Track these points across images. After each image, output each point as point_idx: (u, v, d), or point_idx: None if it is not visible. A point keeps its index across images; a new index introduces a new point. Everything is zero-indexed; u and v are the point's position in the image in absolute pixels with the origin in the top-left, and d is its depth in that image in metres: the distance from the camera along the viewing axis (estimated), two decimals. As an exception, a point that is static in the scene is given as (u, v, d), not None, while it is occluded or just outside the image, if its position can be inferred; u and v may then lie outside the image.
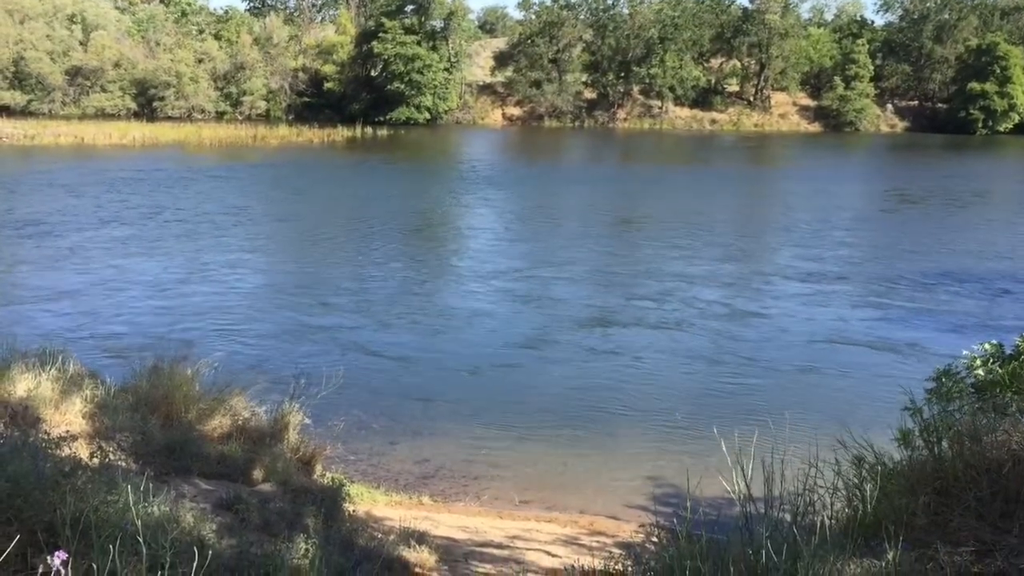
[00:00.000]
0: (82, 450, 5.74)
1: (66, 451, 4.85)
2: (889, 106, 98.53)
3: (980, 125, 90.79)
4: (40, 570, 2.56)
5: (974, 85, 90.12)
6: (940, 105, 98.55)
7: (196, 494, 6.54)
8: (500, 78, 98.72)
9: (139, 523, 3.27)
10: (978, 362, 6.59)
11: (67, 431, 6.07)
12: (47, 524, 3.54)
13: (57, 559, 2.52)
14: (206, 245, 26.84)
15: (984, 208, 39.26)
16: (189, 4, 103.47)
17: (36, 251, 25.23)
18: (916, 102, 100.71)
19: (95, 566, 2.89)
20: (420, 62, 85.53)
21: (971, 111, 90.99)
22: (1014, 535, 3.62)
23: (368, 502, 9.73)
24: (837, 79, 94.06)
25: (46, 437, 4.94)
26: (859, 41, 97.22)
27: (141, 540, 3.18)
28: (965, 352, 6.77)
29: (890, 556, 3.40)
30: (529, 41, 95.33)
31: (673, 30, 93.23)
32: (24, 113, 77.73)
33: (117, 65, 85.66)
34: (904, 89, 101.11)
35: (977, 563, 3.52)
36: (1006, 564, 3.47)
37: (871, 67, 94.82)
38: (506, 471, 11.86)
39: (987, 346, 6.71)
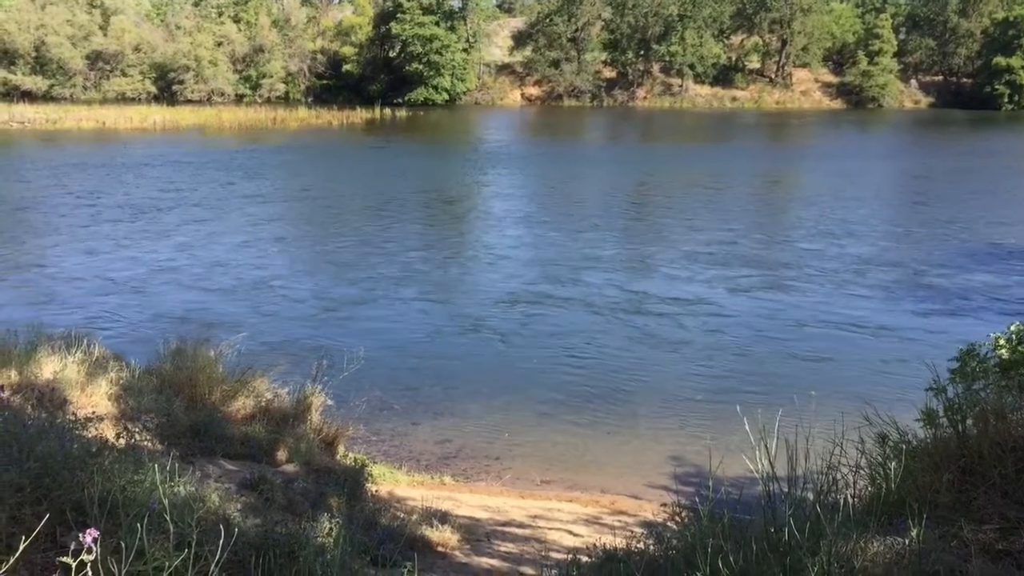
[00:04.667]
0: (108, 431, 5.81)
1: (93, 432, 4.91)
2: (913, 81, 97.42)
3: (1006, 100, 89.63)
4: (72, 547, 2.59)
5: (999, 60, 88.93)
6: (965, 80, 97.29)
7: (221, 475, 6.60)
8: (518, 58, 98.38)
9: (166, 502, 3.31)
10: (1003, 342, 6.54)
11: (93, 412, 6.14)
12: (75, 503, 3.59)
13: (88, 536, 2.56)
14: (227, 227, 26.98)
15: (1009, 186, 38.77)
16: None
17: (60, 235, 25.46)
18: (940, 77, 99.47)
19: (123, 544, 2.93)
20: (438, 42, 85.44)
21: (996, 86, 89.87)
22: (1039, 513, 3.60)
23: (390, 482, 9.80)
24: (860, 54, 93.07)
25: (73, 418, 5.00)
26: (882, 16, 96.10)
27: (168, 519, 3.22)
28: (991, 334, 6.71)
29: (914, 534, 3.39)
30: (547, 20, 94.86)
31: (693, 7, 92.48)
32: (46, 98, 78.39)
33: (137, 49, 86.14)
34: (928, 64, 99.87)
35: (1002, 540, 3.50)
36: (1031, 542, 3.45)
37: (895, 42, 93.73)
38: (527, 451, 11.90)
39: (1014, 327, 6.65)
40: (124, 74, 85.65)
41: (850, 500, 3.89)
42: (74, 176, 36.98)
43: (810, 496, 3.93)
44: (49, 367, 7.39)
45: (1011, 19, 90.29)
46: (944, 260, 23.08)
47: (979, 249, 24.36)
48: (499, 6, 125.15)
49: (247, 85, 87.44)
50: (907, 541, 3.41)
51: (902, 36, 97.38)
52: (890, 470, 4.09)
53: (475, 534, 7.93)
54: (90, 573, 2.60)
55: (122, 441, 5.47)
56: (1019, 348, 6.28)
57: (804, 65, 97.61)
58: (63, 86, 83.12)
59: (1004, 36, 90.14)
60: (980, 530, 3.56)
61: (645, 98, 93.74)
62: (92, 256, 22.87)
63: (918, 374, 6.20)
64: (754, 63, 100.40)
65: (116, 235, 25.48)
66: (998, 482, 3.80)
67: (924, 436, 4.57)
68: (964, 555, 3.41)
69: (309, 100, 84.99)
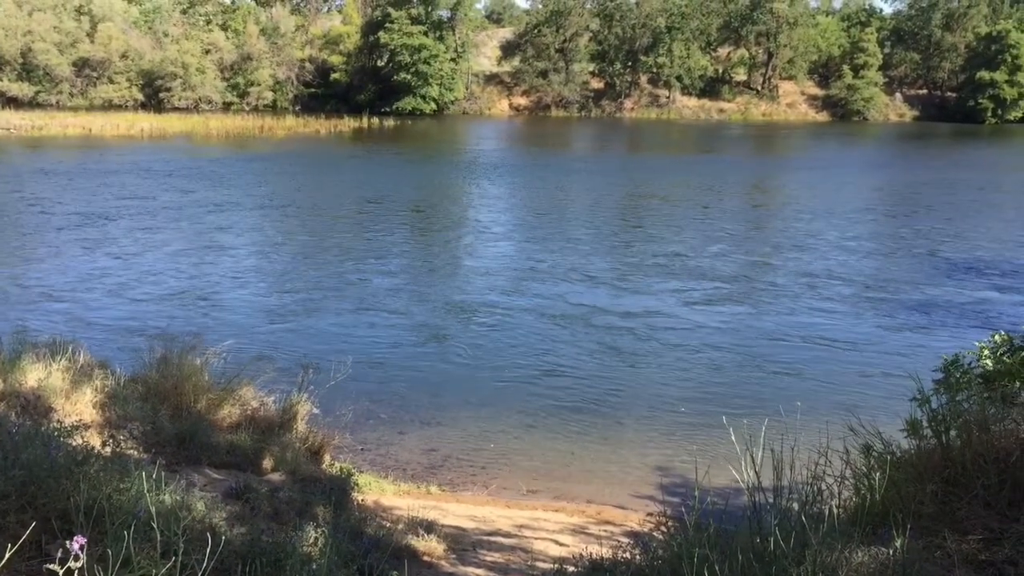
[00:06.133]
0: (94, 439, 5.78)
1: (78, 440, 4.88)
2: (898, 95, 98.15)
3: (989, 114, 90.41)
4: (59, 555, 2.58)
5: (983, 74, 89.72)
6: (949, 94, 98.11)
7: (206, 483, 6.59)
8: (507, 68, 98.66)
9: (152, 510, 3.30)
10: (986, 352, 6.59)
11: (79, 420, 6.11)
12: (61, 511, 3.58)
13: (76, 544, 2.56)
14: (213, 235, 26.89)
15: (990, 199, 39.09)
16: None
17: (44, 243, 25.32)
18: (925, 91, 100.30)
19: (109, 552, 2.92)
20: (426, 52, 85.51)
21: (980, 100, 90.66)
22: (1022, 523, 3.63)
23: (376, 491, 9.77)
24: (846, 68, 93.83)
25: (58, 426, 4.98)
26: (868, 29, 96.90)
27: (154, 527, 3.21)
28: (976, 343, 6.76)
29: (898, 544, 3.41)
30: (536, 31, 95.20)
31: (680, 19, 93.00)
32: (32, 104, 77.94)
33: (124, 56, 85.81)
34: (913, 78, 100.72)
35: (984, 551, 3.53)
36: (1014, 552, 3.48)
37: (880, 56, 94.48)
38: (514, 460, 11.89)
39: (997, 337, 6.70)
40: (111, 81, 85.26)
41: (835, 510, 3.91)
42: (37, 182, 36.69)
43: (795, 506, 3.95)
44: (33, 375, 7.35)
45: (994, 34, 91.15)
46: (924, 273, 23.23)
47: (957, 262, 24.53)
48: (488, 16, 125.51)
49: (235, 93, 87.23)
50: (891, 551, 3.43)
51: (887, 50, 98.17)
52: (874, 481, 4.11)
53: (461, 544, 7.92)
54: (76, 581, 2.60)
55: (108, 449, 5.44)
56: (1003, 358, 6.34)
57: (790, 78, 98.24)
58: (49, 93, 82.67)
59: (988, 51, 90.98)
60: (963, 541, 3.58)
61: (632, 109, 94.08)
62: (71, 265, 22.74)
63: (901, 385, 6.24)
64: (741, 75, 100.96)
65: (95, 244, 25.34)
66: (981, 493, 3.83)
67: (908, 447, 4.60)
68: (948, 565, 3.44)
69: (297, 109, 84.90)
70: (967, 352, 6.66)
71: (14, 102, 77.39)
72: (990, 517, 3.71)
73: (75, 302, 19.20)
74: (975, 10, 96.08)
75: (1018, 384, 5.73)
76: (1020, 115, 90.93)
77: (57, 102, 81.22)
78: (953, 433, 4.28)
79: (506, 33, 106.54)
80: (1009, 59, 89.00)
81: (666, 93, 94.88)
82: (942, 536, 3.59)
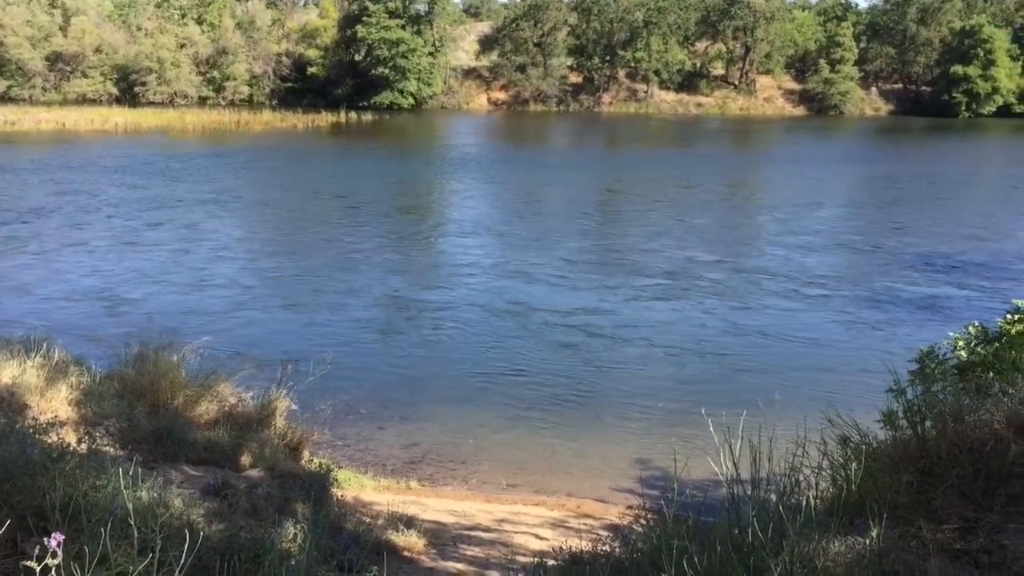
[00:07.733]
0: (69, 436, 5.72)
1: (54, 437, 4.84)
2: (873, 89, 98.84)
3: (963, 108, 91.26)
4: (36, 552, 2.56)
5: (957, 68, 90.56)
6: (924, 88, 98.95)
7: (184, 480, 6.54)
8: (485, 62, 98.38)
9: (129, 507, 3.27)
10: (961, 343, 6.67)
11: (54, 417, 6.05)
12: (36, 509, 3.54)
13: (53, 540, 2.53)
14: (189, 231, 26.68)
15: (963, 192, 39.48)
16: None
17: (19, 238, 25.03)
18: (900, 85, 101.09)
19: (86, 549, 2.90)
20: (404, 46, 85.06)
21: (954, 94, 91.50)
22: (996, 512, 3.67)
23: (356, 487, 9.75)
24: (822, 62, 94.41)
25: (33, 423, 4.93)
26: (844, 24, 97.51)
27: (132, 524, 3.18)
28: (951, 334, 6.84)
29: (874, 534, 3.44)
30: (514, 24, 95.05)
31: (658, 13, 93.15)
32: (4, 99, 76.96)
33: (98, 50, 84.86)
34: (888, 72, 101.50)
35: (960, 540, 3.56)
36: (988, 541, 3.51)
37: (856, 50, 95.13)
38: (493, 455, 11.90)
39: (971, 328, 6.78)
40: (85, 75, 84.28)
41: (812, 501, 3.93)
42: (25, 179, 36.31)
43: (773, 497, 3.97)
44: (7, 372, 7.26)
45: (968, 28, 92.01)
46: (897, 267, 23.43)
47: (931, 255, 24.75)
48: (466, 10, 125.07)
49: (210, 87, 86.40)
50: (868, 541, 3.45)
51: (863, 44, 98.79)
52: (851, 471, 4.14)
53: (441, 539, 7.91)
54: (53, 578, 2.57)
55: (84, 446, 5.39)
56: (977, 349, 6.41)
57: (767, 72, 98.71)
58: (22, 87, 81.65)
59: (962, 45, 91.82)
60: (939, 530, 3.62)
61: (611, 103, 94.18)
62: (45, 261, 22.52)
63: (877, 377, 6.29)
64: (718, 70, 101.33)
65: (71, 239, 25.10)
66: (956, 483, 3.86)
67: (884, 438, 4.64)
68: (923, 554, 3.47)
69: (274, 103, 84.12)
70: (942, 343, 6.74)
71: (-15, 97, 76.46)
72: (965, 507, 3.75)
73: (58, 299, 19.01)
74: (949, 5, 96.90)
75: (992, 375, 5.79)
76: (993, 109, 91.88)
77: (30, 96, 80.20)
78: (928, 424, 4.32)
79: (484, 27, 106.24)
80: (982, 54, 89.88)
81: (644, 87, 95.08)
82: (918, 525, 3.62)
